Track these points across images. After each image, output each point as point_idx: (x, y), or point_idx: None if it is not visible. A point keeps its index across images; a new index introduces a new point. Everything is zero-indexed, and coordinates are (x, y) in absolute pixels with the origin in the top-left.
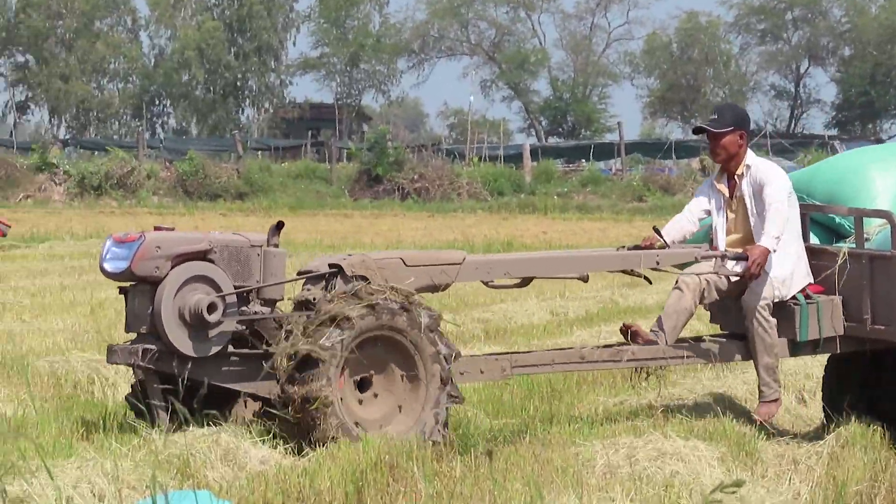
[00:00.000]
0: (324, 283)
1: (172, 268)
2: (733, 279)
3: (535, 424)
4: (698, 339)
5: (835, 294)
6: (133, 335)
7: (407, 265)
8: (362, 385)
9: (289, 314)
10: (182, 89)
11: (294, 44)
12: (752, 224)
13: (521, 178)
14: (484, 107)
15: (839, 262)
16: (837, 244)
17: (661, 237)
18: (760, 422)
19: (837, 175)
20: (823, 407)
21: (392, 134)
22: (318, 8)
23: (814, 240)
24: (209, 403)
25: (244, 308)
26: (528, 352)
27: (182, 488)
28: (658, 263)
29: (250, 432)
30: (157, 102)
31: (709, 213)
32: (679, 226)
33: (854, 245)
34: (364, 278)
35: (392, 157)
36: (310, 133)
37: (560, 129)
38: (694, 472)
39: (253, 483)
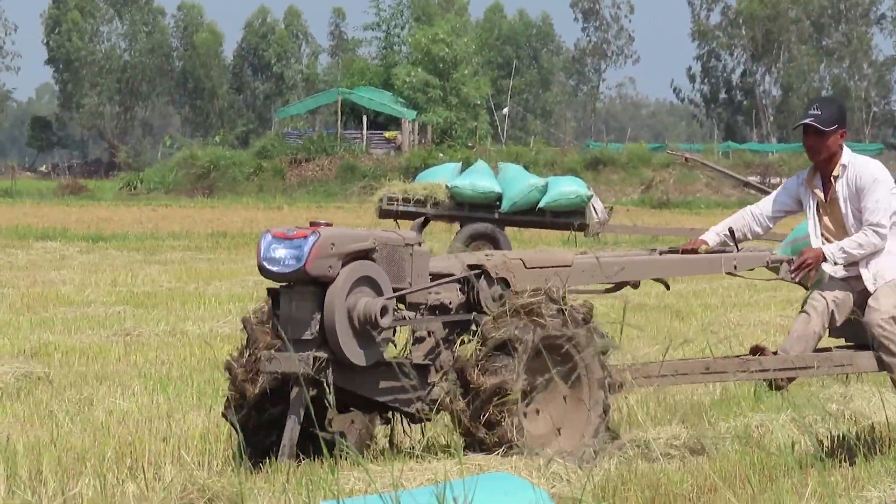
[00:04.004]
0: (458, 286)
1: (342, 267)
2: (854, 297)
3: None
4: (825, 349)
5: None
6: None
7: (526, 267)
8: (524, 396)
9: (432, 318)
10: None
11: None
12: (846, 229)
13: None
14: None
15: None
16: None
17: (734, 242)
18: None
19: None
20: None
21: None
22: None
23: None
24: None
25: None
26: (647, 363)
27: None
28: (735, 268)
29: None
30: None
31: (787, 214)
32: (742, 223)
33: None
34: (505, 281)
35: None
36: None
37: None
38: None
39: None
